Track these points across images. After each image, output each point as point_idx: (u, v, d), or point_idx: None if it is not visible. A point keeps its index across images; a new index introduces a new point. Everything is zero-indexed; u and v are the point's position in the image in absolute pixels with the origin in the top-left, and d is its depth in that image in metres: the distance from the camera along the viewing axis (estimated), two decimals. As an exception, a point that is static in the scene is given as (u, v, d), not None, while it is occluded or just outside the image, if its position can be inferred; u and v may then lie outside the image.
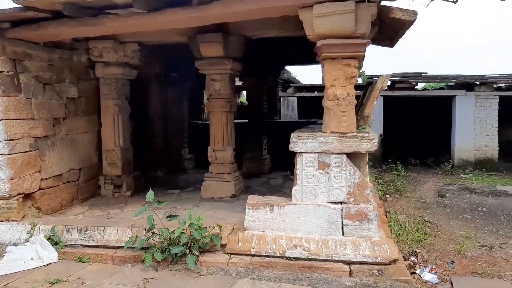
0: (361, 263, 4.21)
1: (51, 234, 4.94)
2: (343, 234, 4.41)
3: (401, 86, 12.34)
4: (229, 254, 4.52)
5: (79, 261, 4.64)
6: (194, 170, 9.41)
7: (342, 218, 4.42)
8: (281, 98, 14.67)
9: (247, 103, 11.40)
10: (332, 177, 4.44)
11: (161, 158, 8.90)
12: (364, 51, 4.47)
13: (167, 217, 4.65)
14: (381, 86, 4.85)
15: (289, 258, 4.36)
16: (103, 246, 4.83)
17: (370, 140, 4.38)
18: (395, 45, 6.15)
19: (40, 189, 5.58)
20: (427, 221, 6.48)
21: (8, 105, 5.12)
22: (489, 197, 8.39)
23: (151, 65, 8.00)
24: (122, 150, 6.77)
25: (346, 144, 4.39)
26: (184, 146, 9.70)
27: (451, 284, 4.19)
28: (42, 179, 5.62)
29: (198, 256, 4.42)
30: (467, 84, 11.97)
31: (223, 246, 4.56)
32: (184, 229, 4.46)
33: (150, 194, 4.66)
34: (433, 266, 4.62)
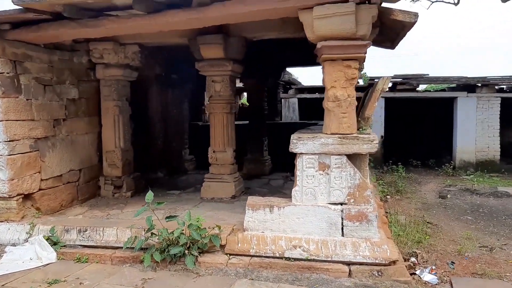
0: (361, 264, 4.20)
1: (50, 235, 4.95)
2: (343, 235, 4.40)
3: (402, 88, 12.32)
4: (228, 255, 4.51)
5: (77, 261, 4.64)
6: (194, 171, 9.41)
7: (342, 219, 4.41)
8: (282, 100, 14.67)
9: (248, 104, 11.41)
10: (332, 178, 4.44)
11: (162, 159, 8.91)
12: (365, 53, 4.46)
13: (166, 217, 4.65)
14: (382, 88, 4.84)
15: (288, 258, 4.35)
16: (102, 246, 4.83)
17: (370, 142, 4.37)
18: (396, 47, 6.15)
19: (40, 189, 5.60)
20: (427, 222, 6.45)
21: (8, 106, 5.14)
22: (490, 198, 8.36)
23: (152, 67, 8.02)
24: (123, 151, 6.78)
25: (347, 145, 4.38)
26: (185, 147, 9.71)
27: (451, 285, 4.16)
28: (42, 180, 5.64)
29: (197, 256, 4.41)
30: (469, 86, 11.96)
31: (222, 246, 4.56)
32: (183, 230, 4.45)
33: (150, 195, 4.66)
34: (433, 267, 4.60)
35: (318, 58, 4.74)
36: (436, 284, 4.22)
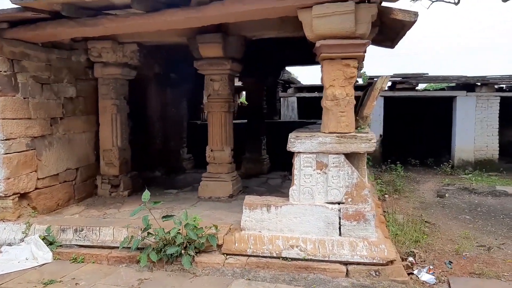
0: (358, 263, 4.18)
1: (46, 234, 4.92)
2: (340, 234, 4.38)
3: (401, 87, 12.32)
4: (225, 255, 4.49)
5: (74, 261, 4.62)
6: (193, 170, 9.38)
7: (340, 218, 4.39)
8: (281, 99, 14.66)
9: (247, 103, 11.38)
10: (330, 177, 4.42)
11: (160, 158, 8.88)
12: (364, 52, 4.45)
13: (163, 217, 4.63)
14: (381, 87, 4.82)
15: (285, 258, 4.33)
16: (99, 246, 4.80)
17: (368, 141, 4.36)
18: (396, 46, 6.13)
19: (36, 188, 5.57)
20: (425, 221, 6.44)
21: (5, 105, 5.11)
22: (489, 197, 8.35)
23: (150, 66, 7.99)
24: (120, 150, 6.75)
25: (345, 144, 4.36)
26: (183, 146, 9.68)
27: (449, 285, 4.15)
28: (38, 179, 5.60)
29: (193, 256, 4.39)
30: (468, 85, 11.96)
31: (219, 246, 4.54)
32: (179, 229, 4.43)
33: (146, 194, 4.64)
34: (431, 267, 4.59)
35: (317, 57, 4.71)
36: (434, 284, 4.21)
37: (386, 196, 8.27)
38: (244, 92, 16.53)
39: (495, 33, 48.08)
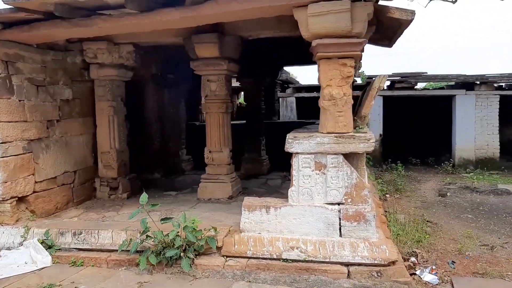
0: (360, 264, 4.13)
1: (45, 238, 4.87)
2: (340, 235, 4.33)
3: (400, 86, 12.30)
4: (225, 257, 4.44)
5: (73, 265, 4.57)
6: (192, 171, 9.33)
7: (340, 219, 4.34)
8: (280, 99, 14.61)
9: (245, 104, 11.34)
10: (329, 178, 4.37)
11: (158, 160, 8.83)
12: (361, 51, 4.41)
13: (162, 219, 4.58)
14: (379, 86, 4.77)
15: (286, 260, 4.27)
16: (98, 249, 4.75)
17: (367, 140, 4.31)
18: (394, 45, 6.11)
19: (34, 192, 5.51)
20: (427, 221, 6.40)
21: (0, 108, 5.06)
22: (491, 196, 8.31)
23: (147, 67, 7.94)
24: (118, 152, 6.70)
25: (343, 144, 4.31)
26: (182, 148, 9.63)
27: (452, 285, 4.11)
28: (36, 182, 5.55)
29: (193, 259, 4.34)
30: (467, 84, 11.92)
31: (219, 248, 4.48)
32: (178, 232, 4.38)
33: (144, 196, 4.59)
34: (434, 267, 4.55)
35: (314, 57, 4.67)
36: (436, 284, 4.17)
37: (387, 195, 8.22)
38: (242, 93, 16.49)
39: (495, 33, 48.16)
